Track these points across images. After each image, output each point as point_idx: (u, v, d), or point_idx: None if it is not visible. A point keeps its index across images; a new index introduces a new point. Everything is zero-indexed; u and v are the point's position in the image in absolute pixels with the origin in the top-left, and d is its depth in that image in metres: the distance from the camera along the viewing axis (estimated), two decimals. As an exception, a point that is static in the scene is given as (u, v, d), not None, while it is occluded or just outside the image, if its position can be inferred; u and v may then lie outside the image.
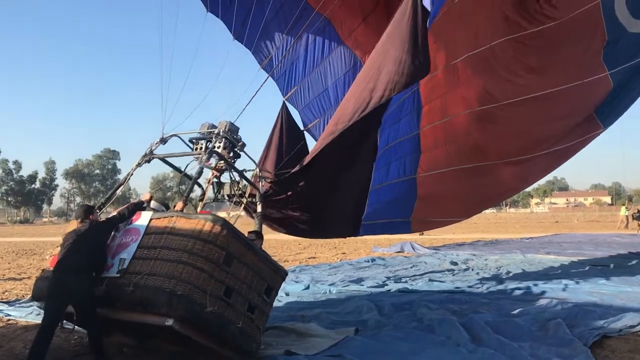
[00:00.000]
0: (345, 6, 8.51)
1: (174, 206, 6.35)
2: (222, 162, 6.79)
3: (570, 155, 10.87)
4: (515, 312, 7.95)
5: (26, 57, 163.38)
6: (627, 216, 34.22)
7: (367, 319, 7.75)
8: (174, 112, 6.92)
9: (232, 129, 6.82)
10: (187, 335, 5.36)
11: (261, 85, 7.78)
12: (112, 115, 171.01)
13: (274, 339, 6.43)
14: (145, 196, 6.48)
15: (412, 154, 9.79)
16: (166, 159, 6.97)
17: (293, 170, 7.44)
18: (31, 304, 9.26)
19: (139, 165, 6.77)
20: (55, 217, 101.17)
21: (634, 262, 14.50)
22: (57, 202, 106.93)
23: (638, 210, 31.20)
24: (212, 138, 6.64)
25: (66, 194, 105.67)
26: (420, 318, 7.75)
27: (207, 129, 6.76)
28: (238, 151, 6.96)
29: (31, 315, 8.33)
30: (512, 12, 8.34)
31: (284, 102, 9.69)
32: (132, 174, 6.87)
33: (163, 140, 6.79)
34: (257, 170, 7.28)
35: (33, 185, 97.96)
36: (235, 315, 5.59)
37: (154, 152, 6.82)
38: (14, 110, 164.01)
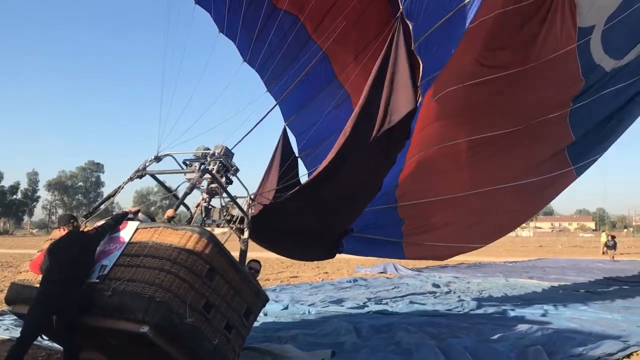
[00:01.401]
0: (341, 43, 8.79)
1: (165, 214, 6.30)
2: (214, 184, 6.74)
3: (541, 194, 11.19)
4: (495, 337, 7.86)
5: (9, 62, 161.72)
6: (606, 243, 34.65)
7: (344, 341, 7.61)
8: (170, 132, 6.90)
9: (227, 154, 6.84)
10: (160, 349, 5.22)
11: (267, 113, 7.81)
12: (97, 127, 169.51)
13: (248, 360, 6.27)
14: (132, 208, 6.40)
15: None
16: (158, 177, 6.98)
17: (283, 198, 7.47)
18: (1, 318, 9.01)
19: (130, 179, 6.74)
20: (36, 229, 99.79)
21: (613, 288, 14.52)
22: (39, 213, 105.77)
23: (612, 237, 31.12)
24: (206, 161, 6.62)
25: (48, 206, 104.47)
26: (398, 341, 7.63)
27: (202, 152, 6.77)
28: (230, 176, 6.95)
29: (7, 331, 8.10)
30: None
31: (284, 127, 9.89)
32: (122, 187, 6.84)
33: (157, 159, 6.78)
34: (248, 197, 7.23)
35: (14, 196, 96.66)
36: (212, 331, 5.47)
37: (147, 169, 6.78)
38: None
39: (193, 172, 6.57)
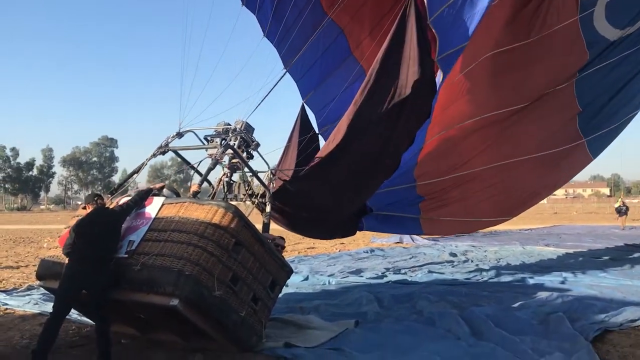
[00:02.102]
0: (356, 19, 8.90)
1: (189, 188, 6.44)
2: (235, 159, 6.82)
3: (558, 167, 11.16)
4: (516, 305, 7.90)
5: (25, 39, 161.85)
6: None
7: (367, 311, 7.71)
8: (190, 108, 7.04)
9: (248, 129, 6.93)
10: (189, 321, 5.35)
11: (276, 83, 7.90)
12: (111, 103, 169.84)
13: (273, 331, 6.37)
14: (157, 185, 6.49)
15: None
16: (180, 153, 7.11)
17: (304, 171, 7.53)
18: (28, 292, 9.23)
19: (154, 155, 6.92)
20: (53, 205, 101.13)
21: (633, 255, 14.46)
22: (55, 189, 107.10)
23: (623, 203, 28.96)
24: (226, 137, 6.71)
25: (63, 182, 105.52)
26: (420, 310, 7.71)
27: (223, 129, 6.85)
28: (251, 151, 7.05)
29: (28, 304, 8.28)
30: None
31: (302, 104, 9.98)
32: (146, 164, 7.01)
33: (179, 135, 6.95)
34: (269, 171, 7.33)
35: (30, 173, 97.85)
36: (239, 304, 5.60)
37: (170, 145, 6.94)
38: (11, 96, 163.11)
39: (215, 147, 6.65)
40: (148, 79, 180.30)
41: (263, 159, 7.34)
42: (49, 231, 27.28)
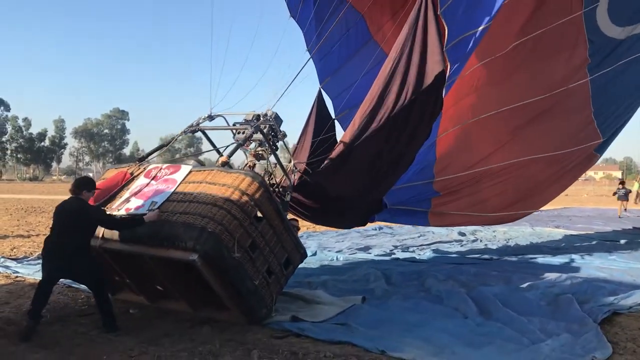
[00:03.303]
0: (377, 2, 8.82)
1: (217, 161, 6.61)
2: (260, 149, 6.88)
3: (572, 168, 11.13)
4: (524, 285, 7.87)
5: (40, 10, 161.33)
6: (638, 191, 33.82)
7: (374, 288, 7.72)
8: (218, 94, 7.36)
9: (277, 119, 7.05)
10: (202, 283, 5.49)
11: (301, 69, 7.85)
12: (125, 75, 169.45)
13: (281, 305, 6.39)
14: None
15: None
16: (208, 134, 7.38)
17: (323, 166, 7.53)
18: (39, 261, 9.29)
19: (184, 132, 7.23)
20: (64, 176, 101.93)
21: (643, 238, 14.37)
22: (66, 160, 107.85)
23: (622, 185, 25.38)
24: (256, 123, 6.82)
25: (75, 153, 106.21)
26: (428, 288, 7.71)
27: (253, 117, 6.97)
28: (277, 143, 7.16)
29: (38, 273, 8.27)
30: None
31: (319, 90, 9.84)
32: (176, 139, 7.53)
33: (210, 117, 7.20)
34: (292, 162, 7.45)
35: (42, 143, 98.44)
36: (255, 272, 5.67)
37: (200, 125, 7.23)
38: (24, 67, 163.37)
39: (243, 132, 6.77)
40: (166, 55, 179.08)
41: (288, 149, 7.70)
42: (60, 201, 27.44)
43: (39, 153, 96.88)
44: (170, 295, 6.25)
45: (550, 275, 8.52)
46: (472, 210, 10.56)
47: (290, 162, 7.54)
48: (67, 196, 5.79)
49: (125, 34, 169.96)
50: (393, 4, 9.08)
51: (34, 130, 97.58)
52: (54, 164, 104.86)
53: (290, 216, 7.36)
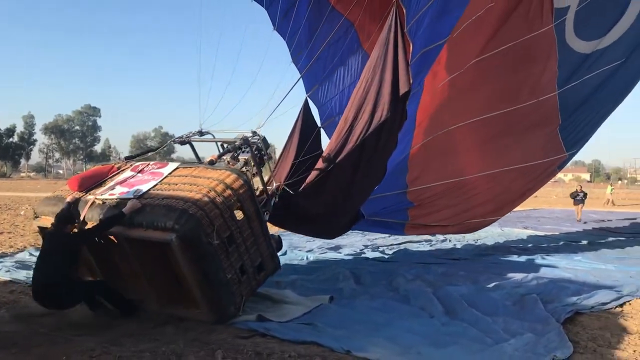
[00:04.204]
0: (367, 11, 8.80)
1: (208, 159, 6.65)
2: (245, 167, 6.93)
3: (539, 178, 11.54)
4: (491, 285, 7.97)
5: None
6: (608, 197, 35.02)
7: (343, 287, 7.72)
8: (212, 111, 7.45)
9: (265, 141, 7.17)
10: (175, 271, 5.56)
11: (293, 85, 7.86)
12: (95, 70, 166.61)
13: (248, 305, 6.33)
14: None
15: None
16: (194, 148, 7.60)
17: (302, 188, 7.55)
18: (1, 260, 9.09)
19: (173, 142, 7.55)
20: (34, 172, 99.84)
21: (607, 239, 14.68)
22: (36, 157, 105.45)
23: (581, 189, 23.70)
24: (244, 143, 6.90)
25: (45, 150, 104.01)
26: (396, 288, 7.75)
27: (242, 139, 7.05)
28: (263, 163, 7.26)
29: (0, 271, 8.16)
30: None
31: (306, 99, 9.69)
32: (164, 148, 8.01)
33: (200, 133, 7.38)
34: (274, 185, 7.53)
35: (11, 139, 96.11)
36: (229, 265, 5.69)
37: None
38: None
39: (234, 141, 6.91)
40: (139, 49, 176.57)
41: (271, 173, 7.86)
42: (28, 199, 26.91)
43: (6, 149, 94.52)
44: (138, 284, 6.15)
45: (517, 276, 8.65)
46: (453, 221, 10.69)
47: (270, 181, 7.59)
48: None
49: (101, 28, 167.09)
50: (381, 11, 8.88)
51: (2, 125, 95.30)
52: (23, 161, 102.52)
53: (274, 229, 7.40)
